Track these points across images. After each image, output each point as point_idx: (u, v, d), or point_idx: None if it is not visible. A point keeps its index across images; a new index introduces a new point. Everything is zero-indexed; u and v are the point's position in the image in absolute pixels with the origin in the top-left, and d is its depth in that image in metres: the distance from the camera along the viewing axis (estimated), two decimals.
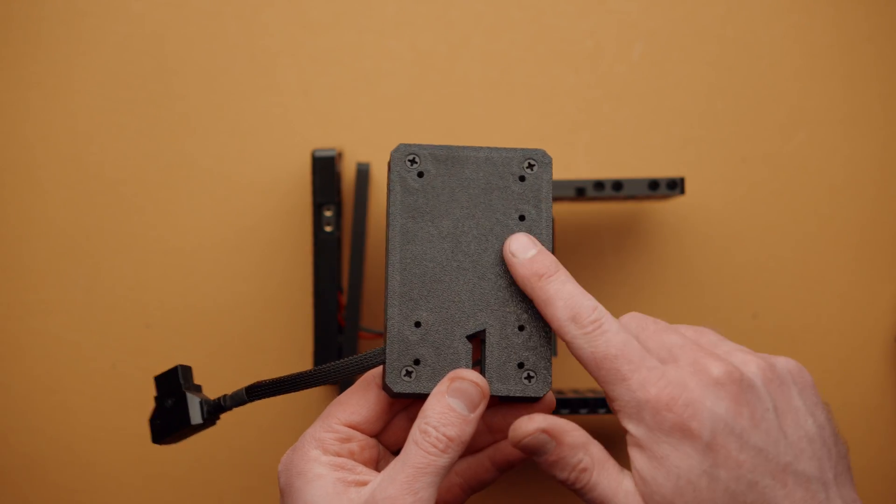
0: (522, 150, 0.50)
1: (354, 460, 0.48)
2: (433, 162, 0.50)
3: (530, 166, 0.50)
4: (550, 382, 0.49)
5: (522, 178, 0.50)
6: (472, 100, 0.69)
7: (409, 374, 0.48)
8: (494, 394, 0.48)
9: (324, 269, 0.63)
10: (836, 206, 0.69)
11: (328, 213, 0.63)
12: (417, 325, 0.48)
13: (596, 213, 0.69)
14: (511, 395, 0.48)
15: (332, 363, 0.49)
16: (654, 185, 0.63)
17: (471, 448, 0.50)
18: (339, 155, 0.65)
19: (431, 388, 0.47)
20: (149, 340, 0.68)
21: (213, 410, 0.51)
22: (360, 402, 0.49)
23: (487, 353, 0.48)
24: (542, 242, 0.49)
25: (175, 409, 0.52)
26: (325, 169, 0.63)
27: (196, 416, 0.51)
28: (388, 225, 0.49)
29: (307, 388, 0.49)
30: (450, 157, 0.50)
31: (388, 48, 0.69)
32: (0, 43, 0.69)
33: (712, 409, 0.44)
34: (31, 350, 0.68)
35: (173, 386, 0.52)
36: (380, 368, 0.49)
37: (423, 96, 0.69)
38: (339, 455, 0.48)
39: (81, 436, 0.68)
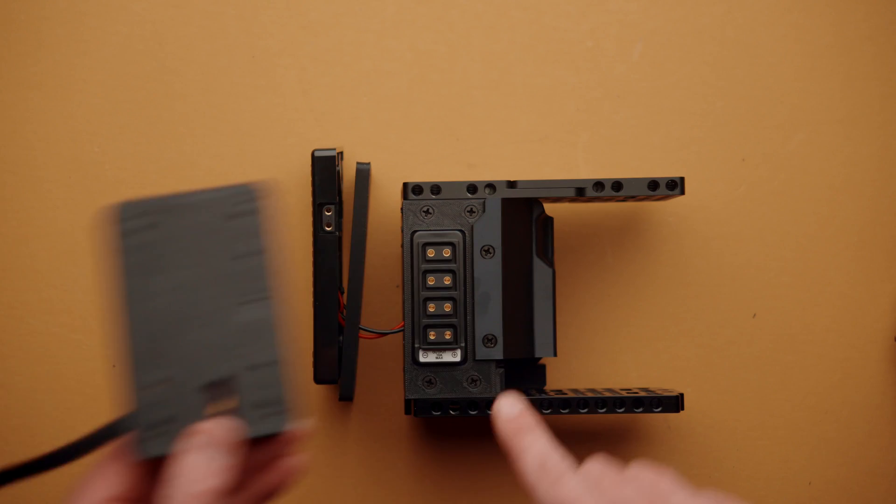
0: (229, 187, 0.50)
1: None
2: (145, 216, 0.49)
3: (240, 203, 0.50)
4: (291, 417, 0.48)
5: (235, 217, 0.49)
6: (472, 100, 0.69)
7: (159, 435, 0.47)
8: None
9: (324, 269, 0.63)
10: (835, 206, 0.69)
11: (328, 213, 0.63)
12: (157, 384, 0.47)
13: (596, 213, 0.69)
14: (259, 433, 0.48)
15: (77, 440, 0.47)
16: (653, 185, 0.63)
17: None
18: (339, 155, 0.65)
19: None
20: None
21: None
22: (118, 469, 0.48)
23: (231, 397, 0.48)
24: (263, 276, 0.49)
25: None
26: (325, 169, 0.63)
27: None
28: (108, 287, 0.48)
29: (51, 470, 0.47)
30: (161, 208, 0.49)
31: (388, 48, 0.69)
32: (0, 43, 0.69)
33: None
34: (31, 350, 0.68)
35: None
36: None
37: (423, 96, 0.69)
38: None
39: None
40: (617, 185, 0.63)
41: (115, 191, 0.68)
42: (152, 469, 0.48)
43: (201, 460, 0.46)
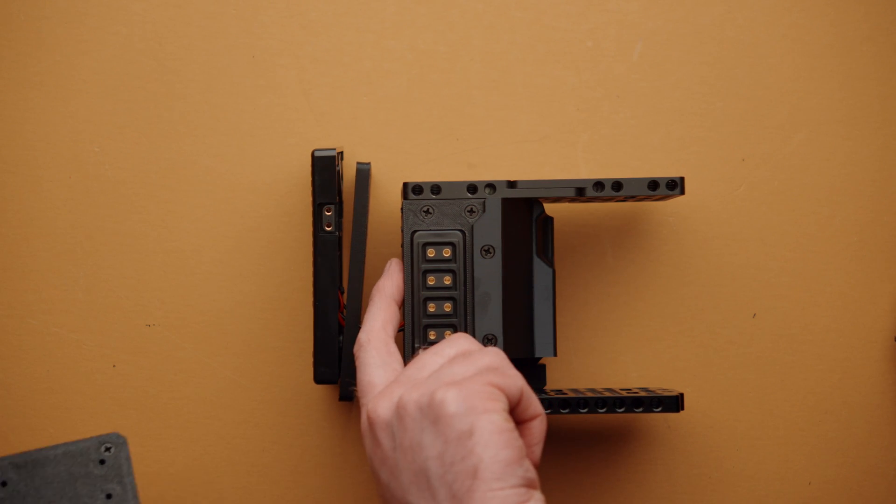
0: (97, 437, 0.54)
1: None
2: (13, 469, 0.53)
3: (107, 449, 0.54)
4: None
5: (103, 462, 0.54)
6: (472, 100, 0.69)
7: None
8: None
9: (324, 269, 0.63)
10: (835, 206, 0.69)
11: (328, 213, 0.63)
12: None
13: (596, 212, 0.69)
14: None
15: None
16: (653, 185, 0.63)
17: None
18: (339, 155, 0.65)
19: None
20: (149, 340, 0.68)
21: None
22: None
23: None
24: None
25: None
26: (325, 169, 0.63)
27: None
28: None
29: None
30: (29, 461, 0.53)
31: (388, 48, 0.69)
32: (0, 43, 0.69)
33: (367, 444, 0.54)
34: (31, 350, 0.68)
35: None
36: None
37: (423, 96, 0.69)
38: None
39: (81, 436, 0.68)
40: (617, 185, 0.62)
41: (115, 191, 0.68)
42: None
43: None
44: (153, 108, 0.69)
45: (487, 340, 0.62)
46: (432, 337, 0.62)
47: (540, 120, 0.69)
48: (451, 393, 0.51)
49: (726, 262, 0.69)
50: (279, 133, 0.68)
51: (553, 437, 0.68)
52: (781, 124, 0.69)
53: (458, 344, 0.55)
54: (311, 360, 0.67)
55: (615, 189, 0.63)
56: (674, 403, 0.63)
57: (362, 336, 0.59)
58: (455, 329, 0.62)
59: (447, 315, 0.62)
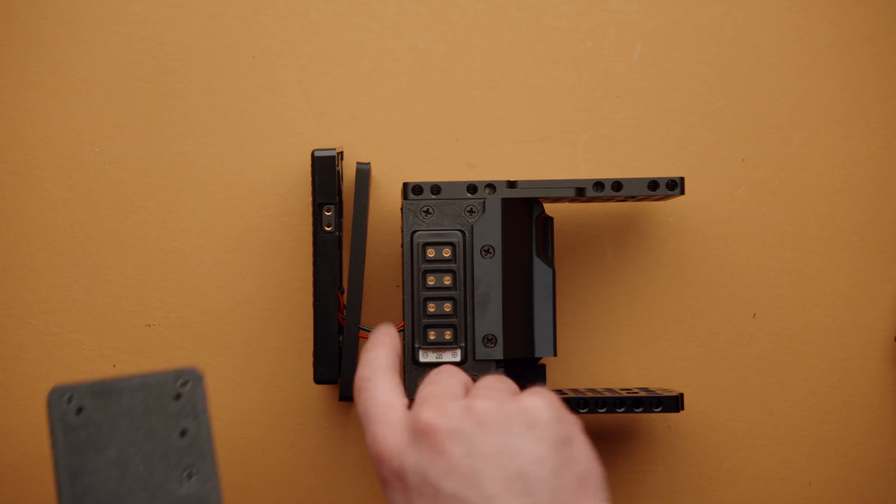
0: (173, 371, 0.54)
1: None
2: (90, 397, 0.53)
3: (184, 384, 0.54)
4: None
5: (178, 397, 0.53)
6: (472, 100, 0.69)
7: None
8: None
9: (324, 269, 0.63)
10: (836, 206, 0.69)
11: (328, 213, 0.63)
12: None
13: (596, 213, 0.69)
14: None
15: None
16: (653, 185, 0.63)
17: None
18: (339, 155, 0.65)
19: None
20: (149, 340, 0.68)
21: None
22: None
23: None
24: (206, 452, 0.53)
25: None
26: (325, 169, 0.63)
27: None
28: (54, 465, 0.52)
29: None
30: (106, 390, 0.53)
31: (388, 48, 0.69)
32: (0, 43, 0.69)
33: (414, 459, 0.50)
34: (31, 350, 0.68)
35: None
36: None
37: (423, 96, 0.69)
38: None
39: None
40: (617, 185, 0.62)
41: (115, 191, 0.68)
42: None
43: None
44: (153, 108, 0.69)
45: (487, 340, 0.62)
46: (432, 337, 0.62)
47: (540, 120, 0.69)
48: (540, 399, 0.50)
49: (726, 262, 0.69)
50: (279, 133, 0.68)
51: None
52: (781, 124, 0.69)
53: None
54: (311, 360, 0.67)
55: (615, 189, 0.63)
56: (674, 403, 0.63)
57: (364, 371, 0.56)
58: (455, 329, 0.62)
59: (447, 315, 0.62)
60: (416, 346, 0.62)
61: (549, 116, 0.69)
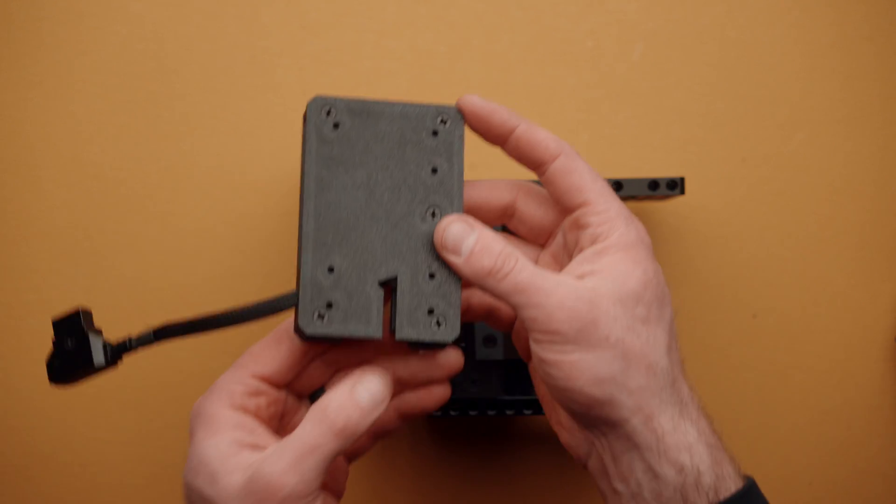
0: (436, 106, 0.52)
1: (258, 418, 0.50)
2: (349, 114, 0.51)
3: (443, 122, 0.52)
4: (459, 329, 0.50)
5: (435, 133, 0.51)
6: None
7: (321, 316, 0.49)
8: (404, 338, 0.50)
9: None
10: (836, 206, 0.69)
11: None
12: (330, 270, 0.50)
13: None
14: (420, 339, 0.50)
15: (243, 306, 0.50)
16: (654, 185, 0.63)
17: None
18: None
19: (343, 331, 0.49)
20: None
21: (117, 352, 0.51)
22: (272, 353, 0.52)
23: (398, 298, 0.50)
24: (453, 195, 0.51)
25: (77, 350, 0.51)
26: None
27: (99, 358, 0.51)
28: (302, 173, 0.50)
29: (217, 329, 0.51)
30: (365, 111, 0.51)
31: (388, 48, 0.69)
32: (0, 43, 0.69)
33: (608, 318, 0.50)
34: (31, 350, 0.68)
35: (75, 328, 0.52)
36: (291, 319, 0.51)
37: (423, 96, 0.69)
38: (244, 411, 0.50)
39: (81, 436, 0.68)
40: (617, 185, 0.63)
41: (115, 191, 0.68)
42: (304, 355, 0.52)
43: (363, 400, 0.48)
44: (153, 108, 0.69)
45: (488, 341, 0.62)
46: None
47: (540, 120, 0.69)
48: None
49: (726, 262, 0.69)
50: (279, 133, 0.68)
51: (553, 438, 0.68)
52: (781, 124, 0.69)
53: None
54: None
55: (615, 189, 0.63)
56: None
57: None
58: None
59: None
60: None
61: (549, 116, 0.69)
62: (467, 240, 0.50)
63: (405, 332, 0.50)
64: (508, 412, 0.62)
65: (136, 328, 0.68)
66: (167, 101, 0.69)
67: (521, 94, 0.69)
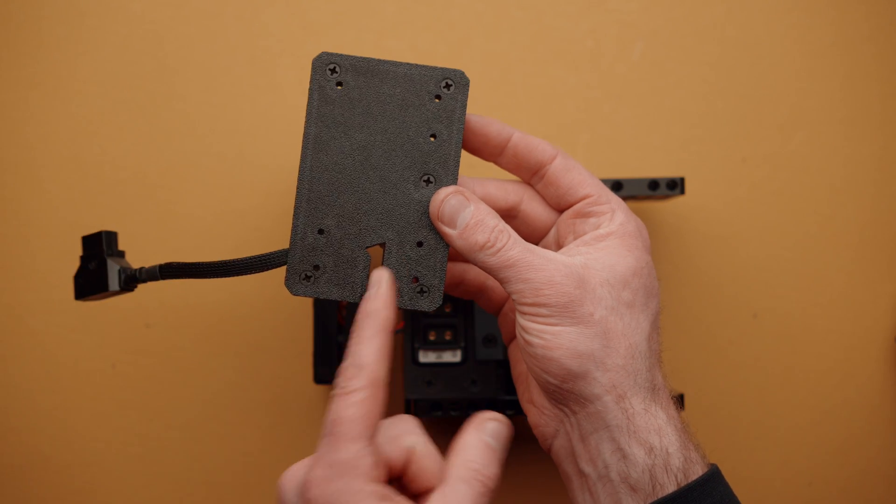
0: (442, 69, 0.51)
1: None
2: (353, 73, 0.51)
3: (447, 86, 0.51)
4: (441, 299, 0.51)
5: (438, 98, 0.51)
6: (472, 100, 0.69)
7: (307, 278, 0.50)
8: None
9: None
10: (836, 206, 0.69)
11: None
12: (321, 232, 0.50)
13: None
14: (403, 307, 0.50)
15: (241, 259, 0.51)
16: (654, 185, 0.63)
17: None
18: None
19: (327, 294, 0.50)
20: (149, 340, 0.68)
21: (129, 280, 0.54)
22: (385, 355, 0.50)
23: (385, 264, 0.50)
24: (450, 163, 0.51)
25: (97, 272, 0.54)
26: None
27: (114, 284, 0.54)
28: (304, 132, 0.51)
29: (214, 277, 0.52)
30: (370, 70, 0.51)
31: (388, 48, 0.69)
32: (0, 43, 0.69)
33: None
34: (31, 350, 0.68)
35: (97, 251, 0.54)
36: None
37: None
38: (380, 482, 0.47)
39: (81, 436, 0.68)
40: (617, 185, 0.63)
41: (115, 191, 0.68)
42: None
43: (495, 444, 0.49)
44: (153, 108, 0.69)
45: (487, 341, 0.62)
46: (432, 337, 0.62)
47: (540, 120, 0.69)
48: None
49: (726, 262, 0.69)
50: (279, 133, 0.68)
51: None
52: (781, 124, 0.69)
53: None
54: (311, 360, 0.67)
55: (615, 189, 0.63)
56: None
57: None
58: (455, 329, 0.62)
59: (447, 315, 0.62)
60: (416, 346, 0.62)
61: (549, 116, 0.69)
62: (463, 213, 0.50)
63: None
64: (508, 412, 0.62)
65: (136, 328, 0.69)
66: (167, 101, 0.69)
67: (521, 94, 0.69)
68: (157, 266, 0.53)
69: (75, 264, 0.69)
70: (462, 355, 0.62)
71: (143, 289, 0.68)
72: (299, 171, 0.50)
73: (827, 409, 0.69)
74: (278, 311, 0.68)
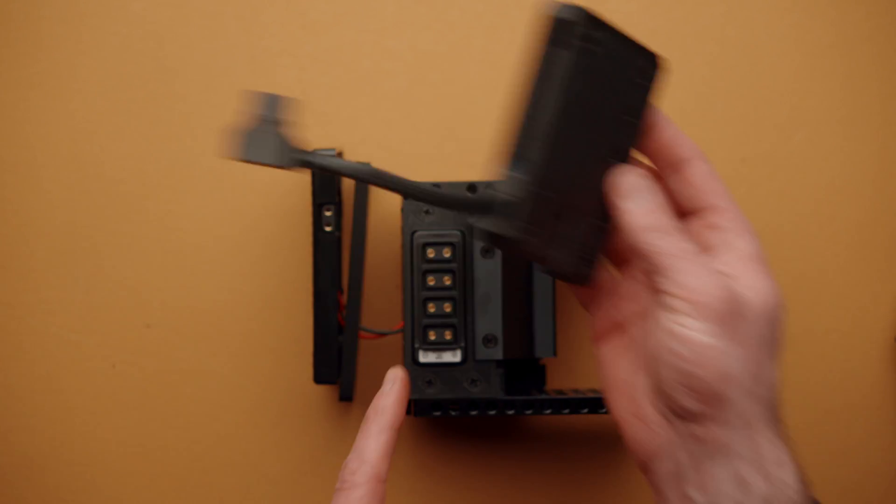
0: (643, 47, 0.52)
1: None
2: (604, 43, 0.50)
3: (649, 65, 0.52)
4: (592, 276, 0.53)
5: (639, 73, 0.52)
6: (472, 100, 0.69)
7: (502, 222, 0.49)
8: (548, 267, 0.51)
9: (324, 269, 0.63)
10: (836, 206, 0.69)
11: (328, 213, 0.63)
12: (529, 183, 0.49)
13: None
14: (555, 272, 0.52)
15: (447, 193, 0.50)
16: None
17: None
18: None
19: (539, 255, 0.50)
20: (149, 340, 0.68)
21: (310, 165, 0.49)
22: (388, 452, 0.53)
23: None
24: (629, 142, 0.52)
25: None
26: None
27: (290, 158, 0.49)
28: (542, 90, 0.49)
29: (419, 200, 0.50)
30: (605, 39, 0.50)
31: (388, 48, 0.69)
32: (0, 43, 0.69)
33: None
34: (31, 350, 0.68)
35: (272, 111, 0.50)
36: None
37: (423, 96, 0.69)
38: None
39: (81, 436, 0.68)
40: None
41: (115, 191, 0.68)
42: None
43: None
44: (153, 108, 0.69)
45: (487, 341, 0.62)
46: (432, 337, 0.62)
47: None
48: None
49: None
50: None
51: (554, 438, 0.68)
52: (781, 124, 0.69)
53: None
54: (311, 360, 0.67)
55: None
56: None
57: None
58: (455, 329, 0.62)
59: (447, 315, 0.62)
60: (416, 346, 0.62)
61: None
62: (644, 192, 0.50)
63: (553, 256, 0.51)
64: (508, 412, 0.62)
65: (136, 328, 0.69)
66: (167, 101, 0.69)
67: None
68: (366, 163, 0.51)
69: (75, 264, 0.68)
70: (462, 355, 0.62)
71: (143, 288, 0.68)
72: (544, 133, 0.49)
73: (827, 409, 0.69)
74: (278, 311, 0.68)
